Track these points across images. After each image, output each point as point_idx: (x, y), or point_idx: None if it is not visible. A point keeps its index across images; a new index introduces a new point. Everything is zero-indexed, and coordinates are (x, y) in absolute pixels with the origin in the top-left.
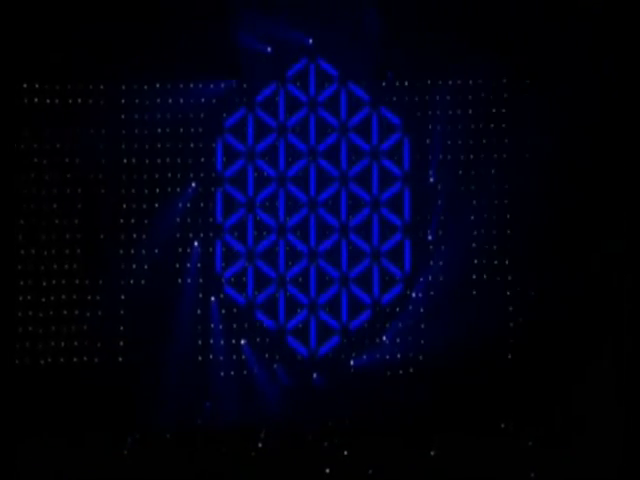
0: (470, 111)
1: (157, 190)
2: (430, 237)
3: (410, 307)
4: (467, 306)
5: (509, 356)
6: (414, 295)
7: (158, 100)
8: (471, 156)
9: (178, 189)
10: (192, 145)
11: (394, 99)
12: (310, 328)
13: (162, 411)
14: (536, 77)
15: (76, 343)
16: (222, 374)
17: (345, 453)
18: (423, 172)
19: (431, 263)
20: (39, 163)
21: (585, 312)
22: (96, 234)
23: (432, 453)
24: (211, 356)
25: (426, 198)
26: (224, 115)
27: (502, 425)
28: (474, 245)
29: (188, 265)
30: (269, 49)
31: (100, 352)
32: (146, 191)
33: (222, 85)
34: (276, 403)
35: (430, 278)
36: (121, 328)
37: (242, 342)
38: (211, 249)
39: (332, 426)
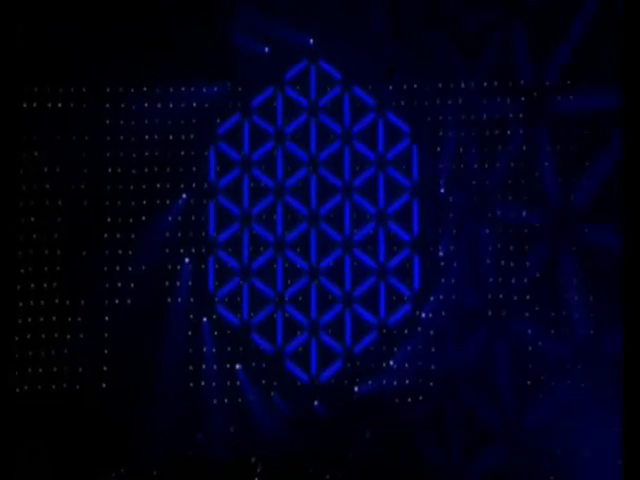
0: (484, 116)
1: (144, 202)
2: (441, 253)
3: (419, 329)
4: (481, 328)
5: (528, 382)
6: (424, 316)
7: (146, 104)
8: (485, 165)
9: (168, 201)
10: (183, 153)
11: (402, 103)
12: (311, 352)
13: (149, 443)
14: (555, 80)
15: (55, 369)
16: (215, 402)
17: None
18: (433, 182)
19: (442, 281)
20: (15, 172)
21: (608, 331)
22: (78, 250)
23: None
24: (203, 382)
25: (436, 210)
26: (217, 121)
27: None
28: (488, 262)
29: (178, 283)
30: (266, 49)
31: (82, 378)
32: (133, 203)
33: (215, 88)
34: (274, 434)
35: (441, 297)
36: (105, 352)
37: (237, 367)
38: (203, 266)
39: (335, 458)
